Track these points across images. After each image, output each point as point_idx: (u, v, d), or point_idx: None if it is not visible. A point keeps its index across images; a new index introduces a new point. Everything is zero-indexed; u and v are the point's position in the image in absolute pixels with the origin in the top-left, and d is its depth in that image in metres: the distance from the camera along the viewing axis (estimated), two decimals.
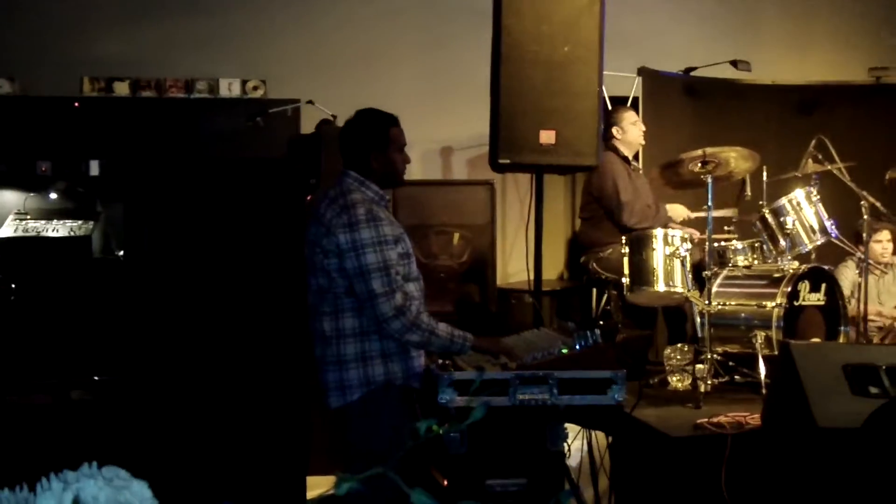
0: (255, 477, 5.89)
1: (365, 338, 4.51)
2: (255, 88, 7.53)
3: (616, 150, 7.02)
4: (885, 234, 7.47)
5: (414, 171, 8.32)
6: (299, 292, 4.99)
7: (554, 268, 8.38)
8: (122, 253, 6.89)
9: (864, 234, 6.69)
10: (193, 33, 8.07)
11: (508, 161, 6.14)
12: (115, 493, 1.06)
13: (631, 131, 7.15)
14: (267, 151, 7.22)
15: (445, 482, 4.55)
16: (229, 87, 7.60)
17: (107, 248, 7.00)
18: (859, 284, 6.79)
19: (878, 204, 6.62)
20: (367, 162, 4.65)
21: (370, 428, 4.49)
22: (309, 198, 6.97)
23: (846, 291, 6.81)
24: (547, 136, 6.05)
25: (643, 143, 7.37)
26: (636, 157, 7.43)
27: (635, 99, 7.93)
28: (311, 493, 6.12)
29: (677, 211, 7.15)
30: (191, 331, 6.55)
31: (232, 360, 6.39)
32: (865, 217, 6.61)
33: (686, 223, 7.08)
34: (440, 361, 4.50)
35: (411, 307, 4.47)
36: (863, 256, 6.73)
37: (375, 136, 4.68)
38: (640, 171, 7.40)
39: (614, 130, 7.04)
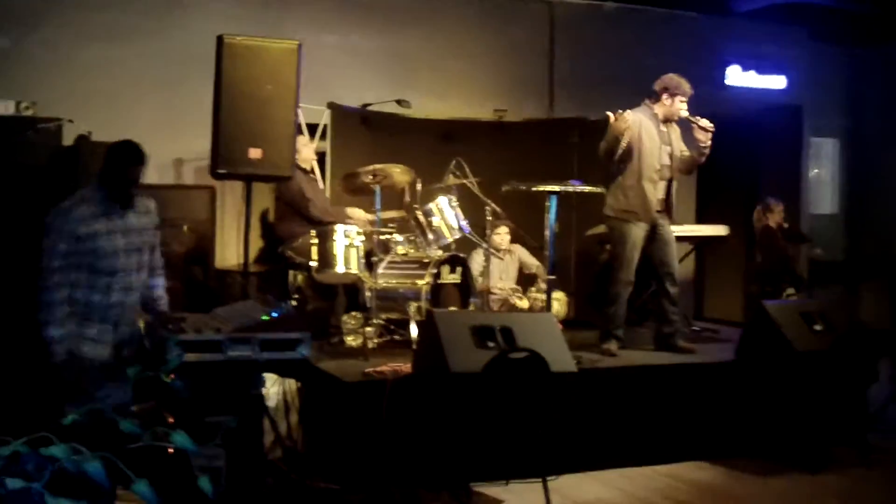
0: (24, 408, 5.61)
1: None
2: (27, 108, 7.14)
3: (297, 165, 6.97)
4: (503, 229, 7.76)
5: (152, 177, 8.08)
6: None
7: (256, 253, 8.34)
8: None
9: (488, 230, 6.97)
10: None
11: (225, 171, 6.11)
12: None
13: (303, 151, 7.17)
14: (36, 160, 6.89)
15: (171, 420, 4.49)
16: (5, 108, 7.19)
17: None
18: (484, 267, 7.07)
19: (497, 208, 6.91)
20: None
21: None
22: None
23: (476, 273, 7.08)
24: (255, 153, 6.05)
25: (314, 158, 7.42)
26: (312, 169, 7.46)
27: (325, 126, 7.98)
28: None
29: (357, 213, 7.22)
30: None
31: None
32: (489, 218, 6.89)
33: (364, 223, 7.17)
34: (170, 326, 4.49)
35: None
36: (487, 246, 7.01)
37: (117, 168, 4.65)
38: (316, 181, 7.47)
39: None
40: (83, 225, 4.53)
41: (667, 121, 6.40)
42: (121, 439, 1.26)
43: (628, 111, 6.23)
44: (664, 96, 6.36)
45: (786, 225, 9.22)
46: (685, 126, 6.42)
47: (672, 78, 6.39)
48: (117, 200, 4.68)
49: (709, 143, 6.25)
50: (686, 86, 6.36)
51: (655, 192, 6.31)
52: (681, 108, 6.34)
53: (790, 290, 8.87)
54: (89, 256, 4.54)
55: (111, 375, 4.54)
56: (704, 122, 6.22)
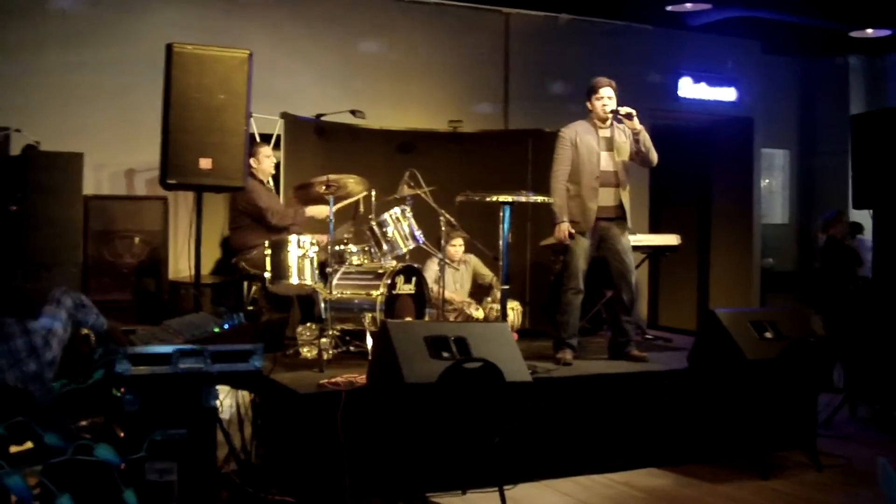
0: None
1: None
2: None
3: (254, 176, 6.90)
4: (458, 241, 7.76)
5: (103, 188, 8.02)
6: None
7: (213, 265, 8.27)
8: None
9: (443, 241, 6.95)
10: None
11: (175, 181, 6.09)
12: None
13: (265, 162, 7.09)
14: None
15: (122, 434, 4.43)
16: None
17: None
18: (439, 277, 7.04)
19: (451, 219, 6.89)
20: None
21: None
22: (14, 208, 6.61)
23: (431, 283, 7.05)
24: (205, 163, 6.03)
25: (273, 171, 7.36)
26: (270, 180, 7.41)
27: (279, 136, 7.92)
28: None
29: (318, 210, 7.11)
30: None
31: None
32: (443, 228, 6.87)
33: (326, 221, 7.11)
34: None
35: None
36: (442, 257, 6.99)
37: None
38: (272, 192, 7.40)
39: (252, 161, 6.84)
40: None
41: (607, 124, 6.42)
42: (45, 453, 1.22)
43: (565, 129, 6.44)
44: (587, 102, 6.45)
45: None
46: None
47: (591, 81, 6.47)
48: None
49: (638, 127, 6.32)
50: (601, 81, 6.42)
51: (596, 201, 6.33)
52: (600, 104, 6.38)
53: None
54: None
55: None
56: (625, 109, 6.28)
